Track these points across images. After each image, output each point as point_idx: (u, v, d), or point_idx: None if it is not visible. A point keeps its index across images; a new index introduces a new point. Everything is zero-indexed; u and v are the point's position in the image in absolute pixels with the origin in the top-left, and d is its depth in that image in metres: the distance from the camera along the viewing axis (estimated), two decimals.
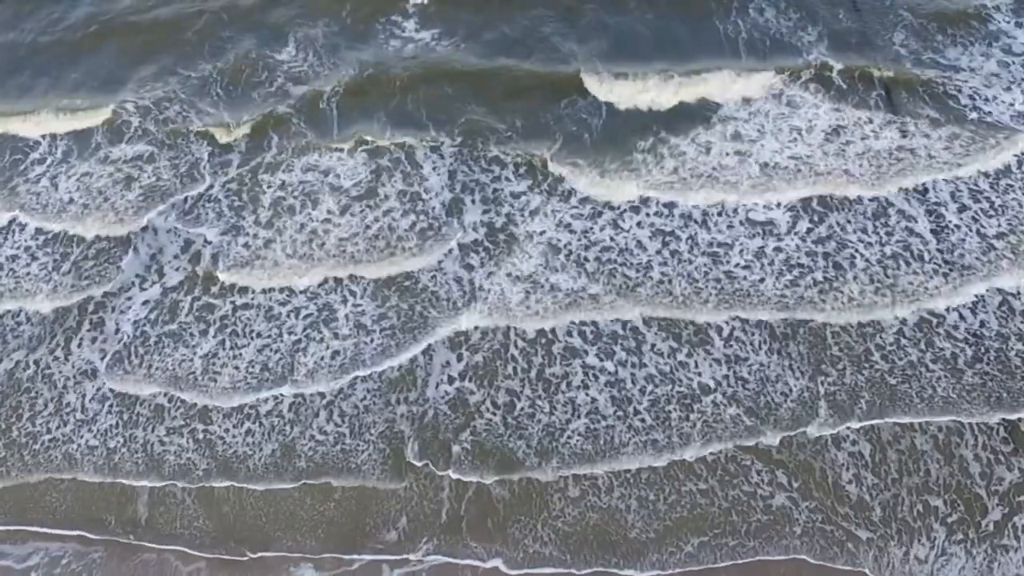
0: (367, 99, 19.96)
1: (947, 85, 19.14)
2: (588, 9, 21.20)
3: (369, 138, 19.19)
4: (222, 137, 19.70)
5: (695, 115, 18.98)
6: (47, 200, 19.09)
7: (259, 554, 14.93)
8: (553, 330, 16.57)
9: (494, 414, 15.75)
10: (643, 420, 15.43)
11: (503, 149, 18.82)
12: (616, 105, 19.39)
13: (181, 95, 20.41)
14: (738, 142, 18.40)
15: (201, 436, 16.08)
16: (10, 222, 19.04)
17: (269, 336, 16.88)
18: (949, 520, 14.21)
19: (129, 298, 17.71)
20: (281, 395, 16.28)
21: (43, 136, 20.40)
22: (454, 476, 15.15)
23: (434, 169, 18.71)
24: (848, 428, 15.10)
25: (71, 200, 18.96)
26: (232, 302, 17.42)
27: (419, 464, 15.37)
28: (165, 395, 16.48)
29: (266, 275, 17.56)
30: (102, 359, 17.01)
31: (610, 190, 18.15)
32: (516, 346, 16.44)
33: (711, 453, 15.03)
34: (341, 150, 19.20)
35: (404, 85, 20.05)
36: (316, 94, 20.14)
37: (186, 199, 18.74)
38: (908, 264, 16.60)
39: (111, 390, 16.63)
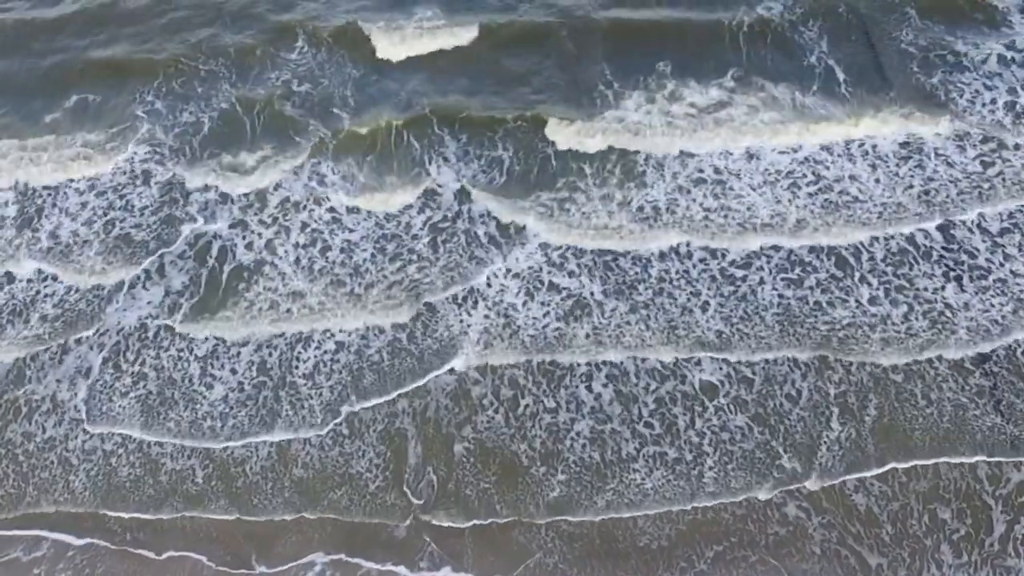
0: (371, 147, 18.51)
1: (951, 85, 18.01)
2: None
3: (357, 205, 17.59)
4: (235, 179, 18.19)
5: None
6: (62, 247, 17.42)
7: (264, 561, 13.75)
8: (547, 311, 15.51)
9: (496, 411, 14.52)
10: (650, 426, 14.23)
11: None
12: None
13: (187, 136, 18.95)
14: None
15: None
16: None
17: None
18: (955, 536, 13.02)
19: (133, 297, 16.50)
20: (271, 380, 15.16)
21: (57, 181, 18.53)
22: (445, 523, 13.82)
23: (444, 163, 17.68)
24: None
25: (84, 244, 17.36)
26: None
27: (419, 502, 14.01)
28: (159, 392, 15.19)
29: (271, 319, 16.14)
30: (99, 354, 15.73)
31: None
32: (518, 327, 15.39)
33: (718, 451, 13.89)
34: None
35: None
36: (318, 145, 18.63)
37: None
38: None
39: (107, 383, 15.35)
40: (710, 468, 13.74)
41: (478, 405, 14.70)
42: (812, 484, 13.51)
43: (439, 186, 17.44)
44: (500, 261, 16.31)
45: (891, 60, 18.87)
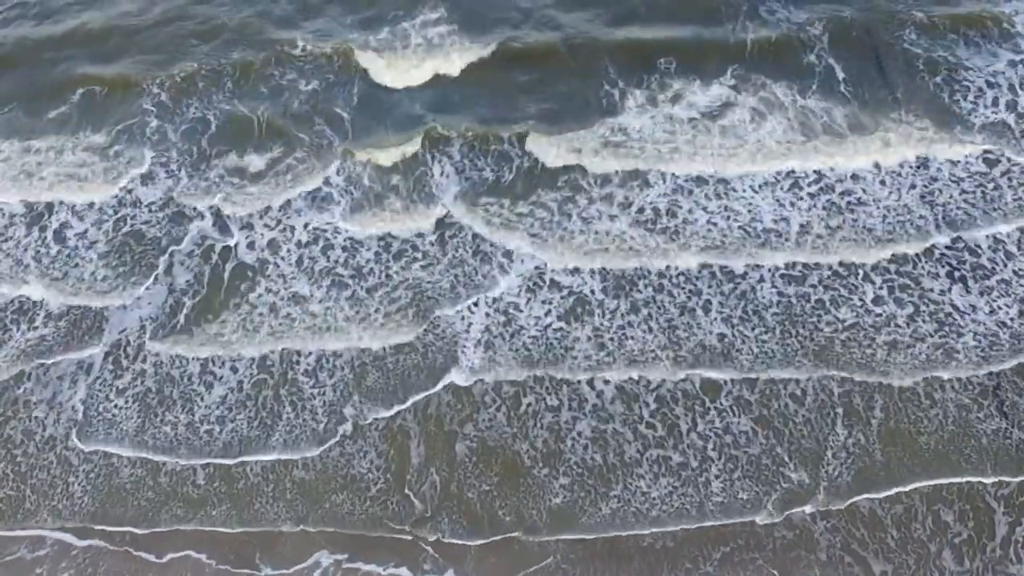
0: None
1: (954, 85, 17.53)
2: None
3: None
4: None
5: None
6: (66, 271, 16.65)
7: (268, 561, 13.36)
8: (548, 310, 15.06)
9: (498, 409, 14.09)
10: (652, 427, 13.82)
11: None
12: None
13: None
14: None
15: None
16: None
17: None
18: (957, 540, 12.65)
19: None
20: (272, 377, 14.69)
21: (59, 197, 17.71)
22: (449, 540, 13.31)
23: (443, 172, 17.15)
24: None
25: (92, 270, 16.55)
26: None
27: (422, 506, 13.57)
28: (158, 390, 14.73)
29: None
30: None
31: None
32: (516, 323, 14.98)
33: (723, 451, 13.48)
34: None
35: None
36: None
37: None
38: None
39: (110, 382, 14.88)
40: (716, 476, 13.35)
41: (480, 402, 14.31)
42: (819, 505, 13.06)
43: (441, 193, 16.91)
44: (509, 268, 15.85)
45: (897, 67, 18.25)
